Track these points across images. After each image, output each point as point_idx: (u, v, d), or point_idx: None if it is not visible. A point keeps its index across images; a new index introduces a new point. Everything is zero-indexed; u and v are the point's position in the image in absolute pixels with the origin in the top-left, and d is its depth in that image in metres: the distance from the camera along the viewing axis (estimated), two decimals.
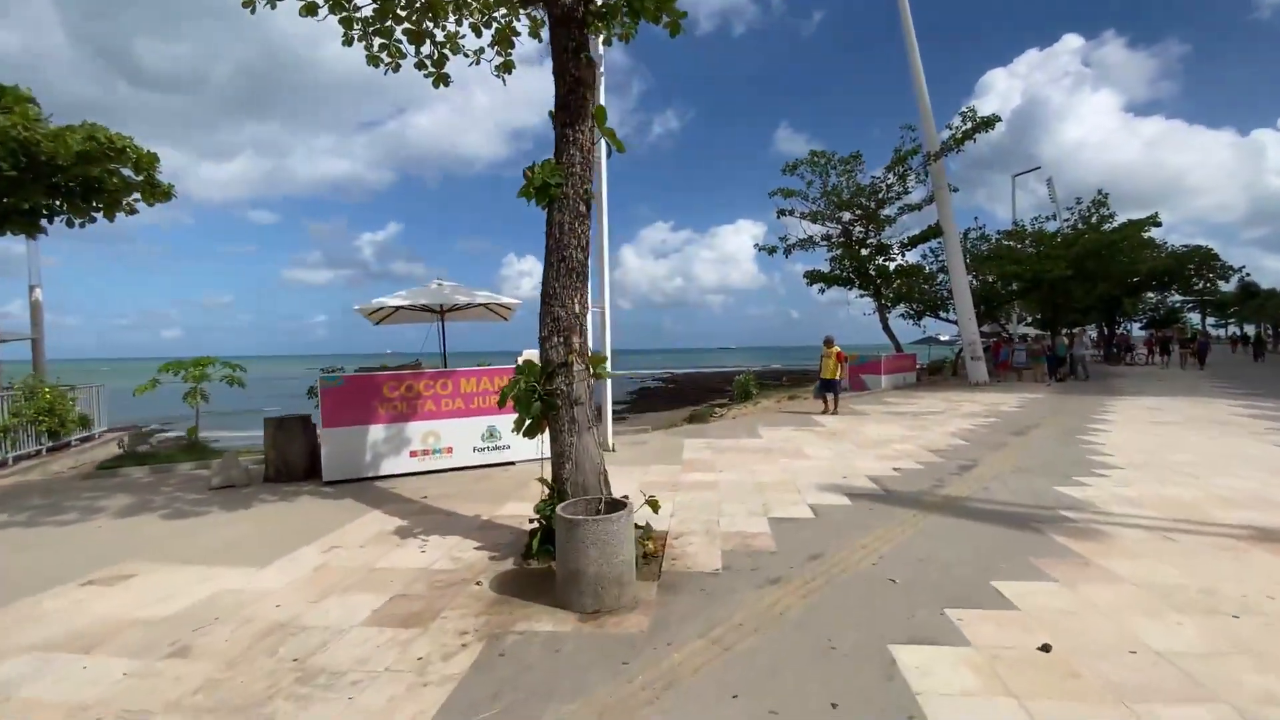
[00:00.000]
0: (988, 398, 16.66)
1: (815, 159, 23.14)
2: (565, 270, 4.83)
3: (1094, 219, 29.10)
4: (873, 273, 24.06)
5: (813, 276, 24.89)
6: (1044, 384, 21.15)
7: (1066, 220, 29.50)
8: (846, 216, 24.00)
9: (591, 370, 4.86)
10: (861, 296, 25.81)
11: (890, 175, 22.88)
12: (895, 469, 7.72)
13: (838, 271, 24.65)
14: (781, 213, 24.22)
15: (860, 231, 24.26)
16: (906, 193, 23.24)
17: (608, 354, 9.09)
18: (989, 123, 21.10)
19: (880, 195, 23.18)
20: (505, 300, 9.13)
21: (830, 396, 13.58)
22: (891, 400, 16.67)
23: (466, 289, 9.19)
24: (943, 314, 28.16)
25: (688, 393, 35.17)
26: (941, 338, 39.25)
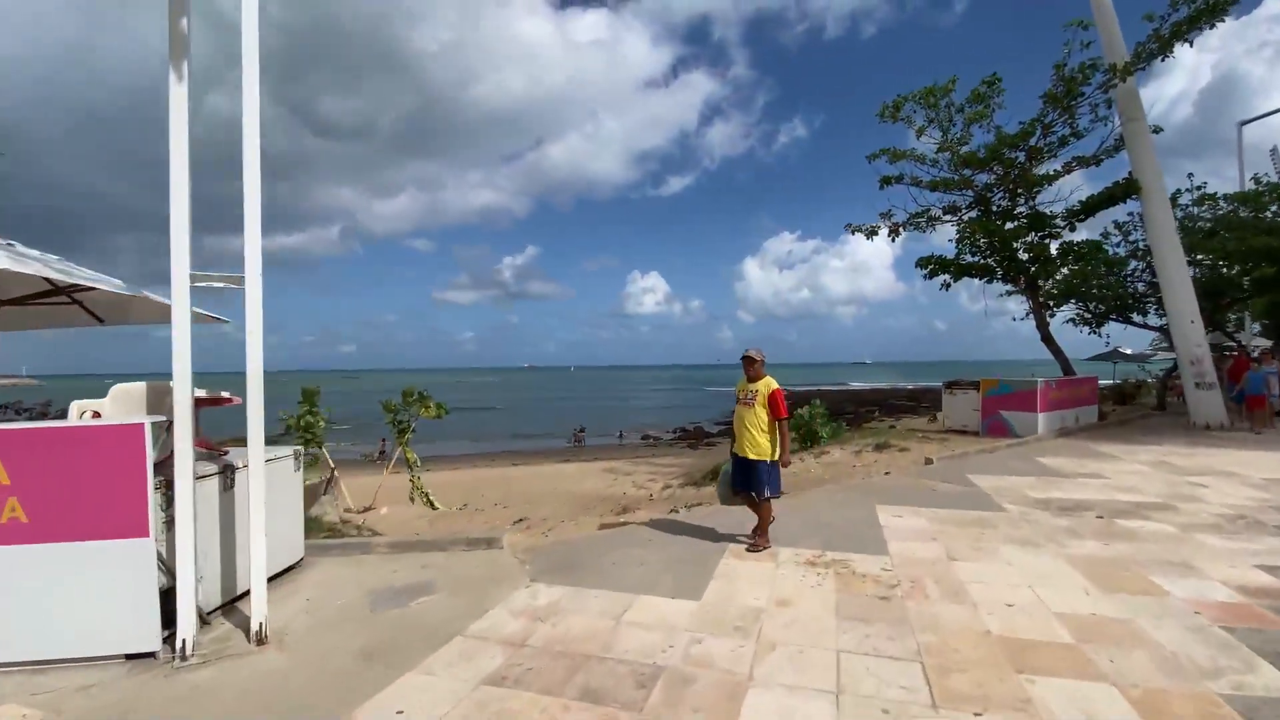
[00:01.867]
0: (1252, 465, 9.16)
1: (929, 96, 15.94)
2: None
3: None
4: (1024, 257, 16.31)
5: (931, 265, 17.13)
6: None
7: None
8: (982, 179, 16.62)
9: None
10: (1010, 294, 18.03)
11: (1051, 111, 15.29)
12: None
13: (970, 256, 16.93)
14: (886, 181, 17.16)
15: (1003, 200, 16.71)
16: (1077, 136, 15.49)
17: (257, 371, 3.83)
18: (1220, 6, 13.16)
19: (1034, 142, 15.61)
20: (81, 279, 4.07)
21: (755, 500, 5.41)
22: (1052, 462, 9.66)
23: (46, 258, 4.31)
24: (1136, 317, 19.21)
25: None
26: (1124, 350, 29.08)
